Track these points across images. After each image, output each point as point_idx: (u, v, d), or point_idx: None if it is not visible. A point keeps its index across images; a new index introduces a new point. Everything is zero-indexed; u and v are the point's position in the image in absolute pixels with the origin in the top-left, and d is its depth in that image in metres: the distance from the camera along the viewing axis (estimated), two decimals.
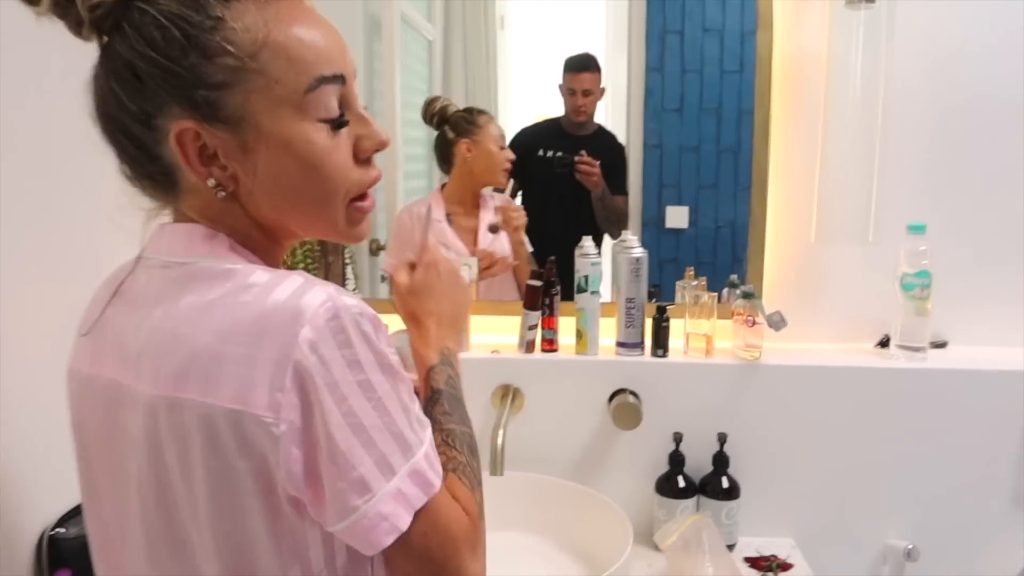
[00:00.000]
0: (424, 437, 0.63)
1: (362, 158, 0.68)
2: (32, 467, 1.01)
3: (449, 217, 1.62)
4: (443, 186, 1.63)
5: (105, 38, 0.62)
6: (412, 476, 0.60)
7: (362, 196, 0.69)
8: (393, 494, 0.59)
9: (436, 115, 1.59)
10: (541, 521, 1.33)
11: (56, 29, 0.62)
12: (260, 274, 0.61)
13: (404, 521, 0.60)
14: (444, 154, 1.62)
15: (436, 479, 0.63)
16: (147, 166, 0.65)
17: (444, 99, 1.60)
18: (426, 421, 0.65)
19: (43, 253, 1.04)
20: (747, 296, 1.42)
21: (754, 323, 1.40)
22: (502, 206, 1.60)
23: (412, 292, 0.84)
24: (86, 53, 0.64)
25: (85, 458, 0.72)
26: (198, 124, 0.61)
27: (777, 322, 1.38)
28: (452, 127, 1.59)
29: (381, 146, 0.68)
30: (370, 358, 0.59)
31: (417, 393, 0.70)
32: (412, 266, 0.86)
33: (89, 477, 0.72)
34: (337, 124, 0.65)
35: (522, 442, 1.40)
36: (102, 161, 0.66)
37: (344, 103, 0.66)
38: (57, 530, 1.05)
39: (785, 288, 1.50)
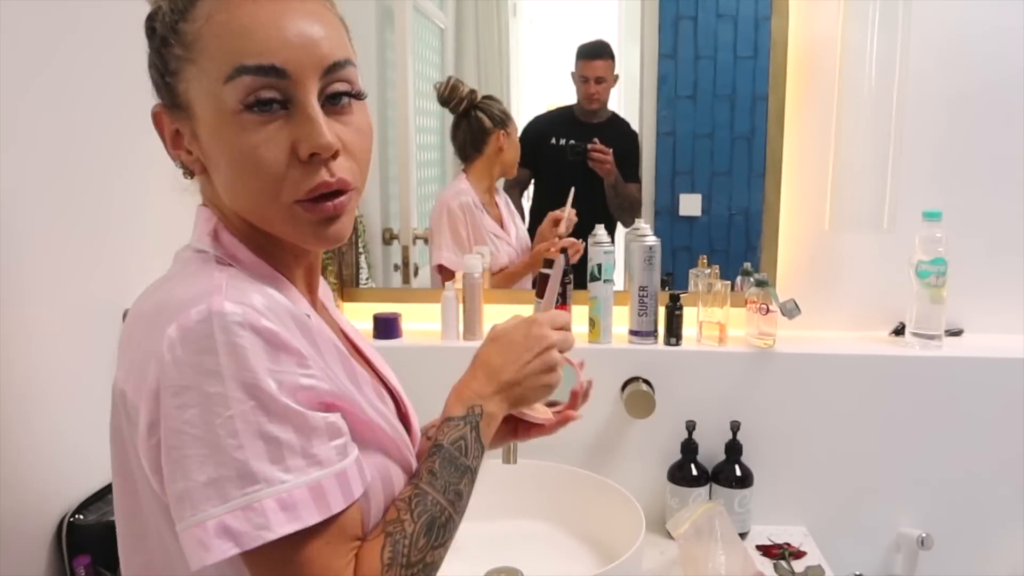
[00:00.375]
0: (295, 479, 0.55)
1: (302, 159, 0.60)
2: (53, 453, 1.03)
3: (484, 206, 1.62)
4: (466, 173, 1.62)
5: None
6: (246, 511, 0.53)
7: (317, 198, 0.62)
8: (216, 522, 0.53)
9: (464, 100, 1.58)
10: (554, 509, 1.34)
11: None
12: (195, 266, 0.64)
13: (217, 554, 0.53)
14: (475, 141, 1.61)
15: (281, 525, 0.54)
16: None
17: (466, 84, 1.59)
18: (328, 461, 0.58)
19: (71, 247, 1.05)
20: (760, 284, 1.41)
21: (768, 311, 1.39)
22: (568, 242, 1.52)
23: (492, 336, 0.79)
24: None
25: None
26: (164, 108, 0.65)
27: (791, 310, 1.37)
28: (488, 116, 1.59)
29: (319, 148, 0.60)
30: (233, 371, 0.54)
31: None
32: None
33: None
34: (255, 111, 0.60)
35: None
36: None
37: (289, 100, 0.60)
38: (76, 516, 1.06)
39: (799, 276, 1.50)
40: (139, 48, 0.66)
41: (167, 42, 0.62)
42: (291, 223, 0.63)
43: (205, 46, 0.60)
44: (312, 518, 0.56)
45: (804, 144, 1.48)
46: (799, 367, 1.40)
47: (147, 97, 0.66)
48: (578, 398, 0.89)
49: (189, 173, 0.67)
